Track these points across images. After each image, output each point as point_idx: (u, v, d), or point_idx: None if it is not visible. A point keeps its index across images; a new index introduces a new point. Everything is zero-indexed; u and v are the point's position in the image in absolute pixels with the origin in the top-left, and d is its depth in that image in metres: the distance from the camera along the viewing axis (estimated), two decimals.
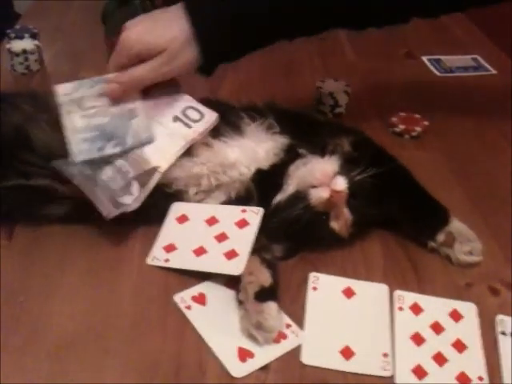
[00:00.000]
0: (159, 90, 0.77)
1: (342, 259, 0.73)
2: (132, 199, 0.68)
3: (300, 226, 0.69)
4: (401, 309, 0.66)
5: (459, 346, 0.62)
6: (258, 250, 0.68)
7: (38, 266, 0.70)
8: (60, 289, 0.67)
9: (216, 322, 0.64)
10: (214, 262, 0.68)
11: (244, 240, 0.69)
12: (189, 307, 0.65)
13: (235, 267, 0.66)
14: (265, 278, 0.65)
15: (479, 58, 1.23)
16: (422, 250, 0.74)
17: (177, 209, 0.75)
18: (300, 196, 0.71)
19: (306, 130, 0.81)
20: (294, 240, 0.71)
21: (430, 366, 0.60)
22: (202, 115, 0.77)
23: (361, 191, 0.72)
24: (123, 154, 0.72)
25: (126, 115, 0.75)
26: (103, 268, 0.70)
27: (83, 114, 0.73)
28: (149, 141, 0.74)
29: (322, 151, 0.76)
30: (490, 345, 0.63)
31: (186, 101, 0.78)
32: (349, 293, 0.68)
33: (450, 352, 0.62)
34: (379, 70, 1.18)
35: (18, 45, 1.10)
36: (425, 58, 1.23)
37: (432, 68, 1.19)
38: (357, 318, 0.65)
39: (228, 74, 1.13)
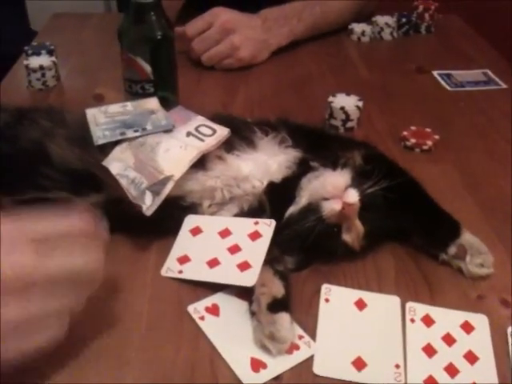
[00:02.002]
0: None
1: (354, 271, 0.73)
2: (145, 208, 0.69)
3: (312, 238, 0.70)
4: (413, 320, 0.66)
5: (471, 357, 0.62)
6: (270, 261, 0.69)
7: None
8: None
9: (229, 332, 0.64)
10: (227, 274, 0.68)
11: (257, 252, 0.69)
12: (202, 318, 0.65)
13: (248, 278, 0.66)
14: (277, 289, 0.66)
15: (490, 72, 1.23)
16: (434, 262, 0.74)
17: (190, 221, 0.76)
18: (312, 208, 0.72)
19: (317, 143, 0.82)
20: (307, 252, 0.72)
21: (441, 377, 0.60)
22: (214, 131, 0.78)
23: (373, 204, 0.72)
24: (137, 166, 0.74)
25: (146, 113, 0.82)
26: (119, 279, 0.70)
27: (107, 115, 0.81)
28: (169, 127, 0.79)
29: (333, 164, 0.76)
30: (502, 356, 0.63)
31: (198, 120, 0.81)
32: (361, 304, 0.68)
33: (461, 363, 0.62)
34: (390, 84, 1.19)
35: (35, 61, 1.11)
36: (435, 73, 1.23)
37: (443, 82, 1.20)
38: (369, 330, 0.66)
39: (241, 90, 1.15)
